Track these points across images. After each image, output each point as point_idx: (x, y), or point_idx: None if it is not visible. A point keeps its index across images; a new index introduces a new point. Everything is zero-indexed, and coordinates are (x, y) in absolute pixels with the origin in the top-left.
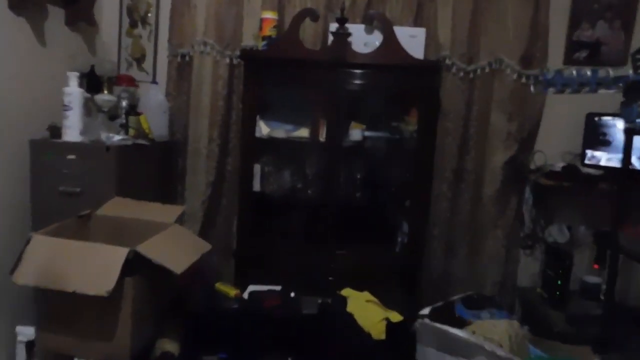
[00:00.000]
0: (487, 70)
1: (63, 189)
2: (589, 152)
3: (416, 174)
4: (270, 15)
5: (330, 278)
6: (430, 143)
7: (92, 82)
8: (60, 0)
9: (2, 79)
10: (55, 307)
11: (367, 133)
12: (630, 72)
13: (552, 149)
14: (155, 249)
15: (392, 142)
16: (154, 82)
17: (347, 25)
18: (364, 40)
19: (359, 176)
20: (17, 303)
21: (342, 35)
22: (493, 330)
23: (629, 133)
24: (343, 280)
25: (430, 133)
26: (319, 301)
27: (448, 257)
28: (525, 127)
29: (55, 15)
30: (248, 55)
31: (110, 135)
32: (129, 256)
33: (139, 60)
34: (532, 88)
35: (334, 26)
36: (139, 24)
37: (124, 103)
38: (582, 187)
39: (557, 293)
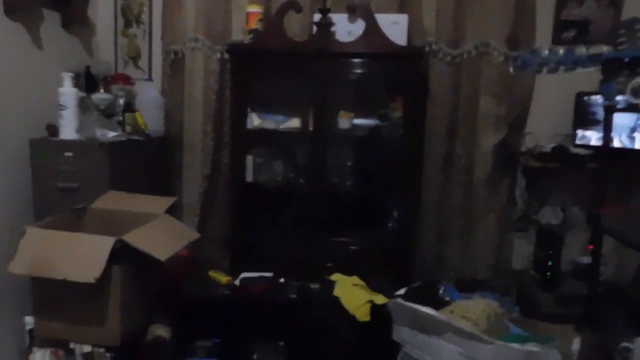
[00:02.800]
0: (473, 53)
1: (61, 185)
2: (579, 132)
3: (406, 160)
4: (255, 9)
5: (329, 264)
6: (419, 128)
7: (88, 81)
8: (54, 3)
9: (1, 83)
10: (48, 296)
11: (355, 121)
12: (605, 48)
13: (543, 130)
14: (142, 238)
15: (381, 129)
16: (149, 79)
17: (330, 15)
18: (347, 29)
19: (349, 164)
20: (27, 295)
21: (325, 25)
22: (470, 310)
23: (609, 111)
24: (337, 267)
25: (418, 118)
26: (305, 285)
27: (441, 241)
28: (515, 110)
29: (51, 19)
30: (234, 49)
31: (105, 132)
32: (116, 245)
33: (135, 58)
34: (510, 69)
35: (317, 17)
36: (133, 24)
37: (121, 101)
38: (571, 168)
39: (548, 274)
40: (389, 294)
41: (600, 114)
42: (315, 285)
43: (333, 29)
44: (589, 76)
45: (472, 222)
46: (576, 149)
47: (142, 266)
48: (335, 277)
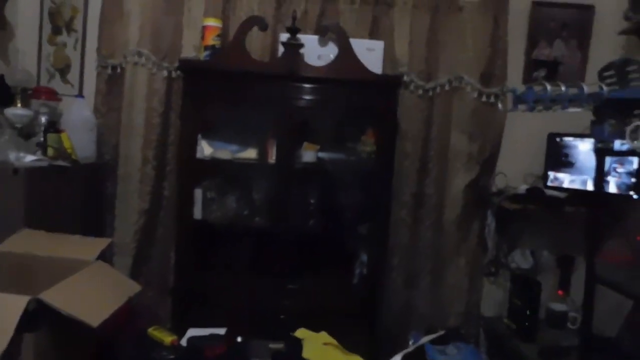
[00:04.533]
0: (447, 87)
1: None
2: (551, 174)
3: (374, 199)
4: (213, 22)
5: (281, 316)
6: (389, 165)
7: (2, 93)
8: None
9: None
10: None
11: (320, 154)
12: (605, 88)
13: (513, 170)
14: (66, 296)
15: (348, 164)
16: (80, 96)
17: (299, 35)
18: (317, 52)
19: (312, 201)
20: None
21: (294, 46)
22: None
23: (601, 153)
24: (296, 318)
25: (388, 154)
26: (270, 347)
27: (409, 287)
28: (487, 148)
29: None
30: (188, 66)
31: (22, 155)
32: (30, 307)
33: (63, 71)
34: (499, 105)
35: (284, 36)
36: (63, 31)
37: (43, 119)
38: (546, 211)
39: (526, 324)
40: (364, 353)
41: (573, 156)
42: (278, 345)
43: (302, 50)
44: (556, 117)
45: (441, 266)
46: (549, 191)
47: (66, 332)
48: (301, 333)
